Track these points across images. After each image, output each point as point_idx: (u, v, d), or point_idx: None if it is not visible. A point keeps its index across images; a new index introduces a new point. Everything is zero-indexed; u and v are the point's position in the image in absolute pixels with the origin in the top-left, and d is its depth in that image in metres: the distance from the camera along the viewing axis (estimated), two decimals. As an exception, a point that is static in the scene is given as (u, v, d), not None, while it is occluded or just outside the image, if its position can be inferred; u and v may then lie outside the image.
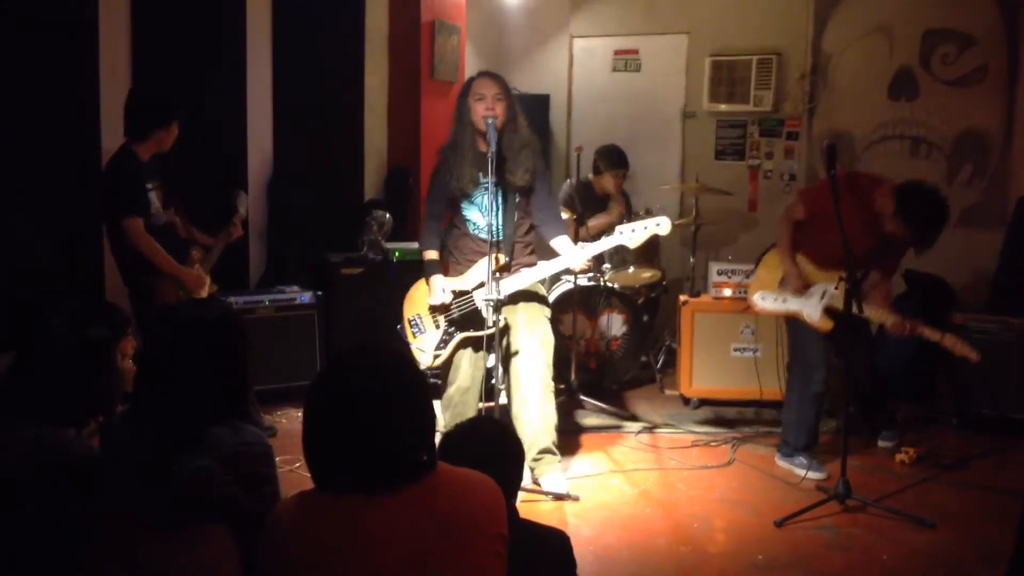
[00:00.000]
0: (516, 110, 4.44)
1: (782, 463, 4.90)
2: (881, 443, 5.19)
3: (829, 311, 4.59)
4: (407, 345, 4.51)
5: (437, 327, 4.51)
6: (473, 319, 4.42)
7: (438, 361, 4.47)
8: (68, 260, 4.77)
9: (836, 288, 4.49)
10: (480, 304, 4.37)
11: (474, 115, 4.36)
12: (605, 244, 4.42)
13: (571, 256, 4.40)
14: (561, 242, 4.49)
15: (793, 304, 4.70)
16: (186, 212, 4.90)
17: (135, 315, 4.83)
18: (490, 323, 4.18)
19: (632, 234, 4.29)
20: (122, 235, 4.53)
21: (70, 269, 4.75)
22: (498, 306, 4.16)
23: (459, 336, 4.45)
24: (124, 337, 3.07)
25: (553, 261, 4.46)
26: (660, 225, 4.28)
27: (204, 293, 4.80)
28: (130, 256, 4.58)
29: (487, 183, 4.32)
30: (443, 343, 4.47)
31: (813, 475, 4.66)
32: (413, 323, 4.57)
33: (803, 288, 4.67)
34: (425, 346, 4.48)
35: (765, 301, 4.80)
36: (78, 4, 4.92)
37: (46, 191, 4.75)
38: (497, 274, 4.18)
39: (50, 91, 4.79)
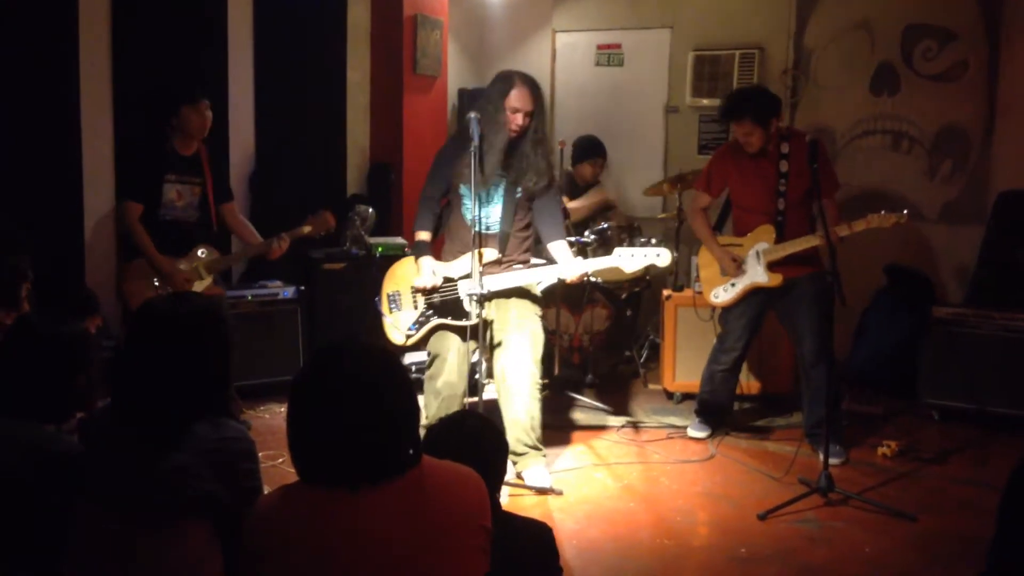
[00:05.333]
0: (543, 118, 4.38)
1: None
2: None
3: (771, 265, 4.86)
4: (381, 317, 4.50)
5: (415, 307, 4.47)
6: (453, 308, 4.41)
7: (410, 342, 4.45)
8: (49, 256, 4.74)
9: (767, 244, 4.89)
10: (463, 294, 4.37)
11: (507, 120, 4.26)
12: (602, 263, 4.41)
13: (568, 267, 4.36)
14: (558, 247, 4.45)
15: (742, 281, 4.96)
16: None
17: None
18: (473, 316, 4.16)
19: (631, 259, 4.27)
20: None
21: (51, 264, 4.72)
22: (481, 300, 4.14)
23: (435, 321, 4.43)
24: (91, 316, 3.06)
25: (548, 268, 4.43)
26: (660, 256, 4.28)
27: (193, 289, 4.81)
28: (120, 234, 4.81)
29: (498, 180, 4.31)
30: (418, 324, 4.44)
31: (693, 432, 5.22)
32: (392, 298, 4.53)
33: (737, 265, 4.93)
34: (399, 323, 4.47)
35: (719, 296, 5.09)
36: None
37: (28, 186, 4.74)
38: (481, 268, 4.15)
39: (31, 86, 4.74)
